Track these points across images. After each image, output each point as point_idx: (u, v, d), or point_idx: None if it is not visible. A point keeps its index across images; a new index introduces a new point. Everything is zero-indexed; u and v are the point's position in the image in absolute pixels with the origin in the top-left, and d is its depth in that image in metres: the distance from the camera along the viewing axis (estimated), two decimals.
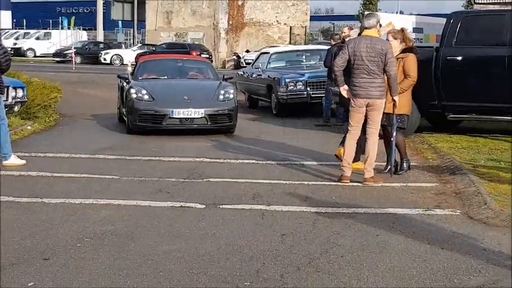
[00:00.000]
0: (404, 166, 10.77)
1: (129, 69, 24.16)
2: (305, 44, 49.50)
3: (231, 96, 15.55)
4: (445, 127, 14.70)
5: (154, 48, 45.54)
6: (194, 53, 49.68)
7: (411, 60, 10.54)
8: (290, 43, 51.77)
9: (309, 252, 6.79)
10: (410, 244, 7.07)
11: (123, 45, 64.02)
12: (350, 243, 7.12)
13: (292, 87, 19.01)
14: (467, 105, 13.99)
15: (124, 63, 49.29)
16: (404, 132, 10.94)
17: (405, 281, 6.01)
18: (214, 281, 5.93)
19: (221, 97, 15.41)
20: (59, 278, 6.00)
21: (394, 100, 10.11)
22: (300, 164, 11.70)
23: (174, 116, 14.85)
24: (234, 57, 51.69)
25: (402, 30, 10.88)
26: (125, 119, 15.75)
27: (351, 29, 16.77)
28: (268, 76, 20.13)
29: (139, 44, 58.42)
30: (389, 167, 10.63)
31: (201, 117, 14.92)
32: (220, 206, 8.63)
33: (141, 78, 16.51)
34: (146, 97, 15.16)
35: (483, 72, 13.70)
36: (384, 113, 10.18)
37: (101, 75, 35.62)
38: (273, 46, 38.40)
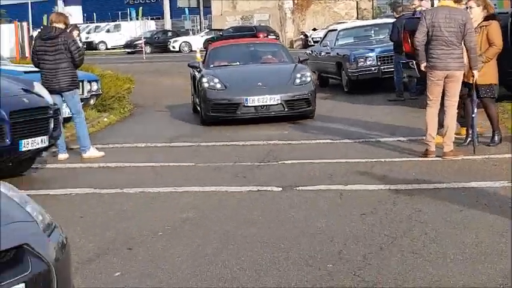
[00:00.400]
0: (496, 139, 10.45)
1: (198, 56, 24.19)
2: (373, 18, 48.93)
3: (308, 79, 14.64)
4: None
5: (221, 33, 45.58)
6: (261, 35, 49.65)
7: (495, 28, 10.25)
8: (357, 19, 51.27)
9: (390, 231, 6.66)
10: (496, 218, 6.86)
11: (191, 32, 64.31)
12: (433, 220, 6.95)
13: (362, 63, 18.76)
14: None
15: (193, 49, 49.57)
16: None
17: (493, 256, 5.84)
18: (296, 265, 5.86)
19: (297, 81, 14.50)
20: (144, 266, 6.01)
21: (473, 73, 9.84)
22: (376, 140, 11.54)
23: (248, 104, 14.07)
24: (302, 36, 51.48)
25: None
26: (198, 109, 15.16)
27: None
28: (337, 53, 19.92)
29: (207, 30, 58.67)
30: (469, 139, 10.37)
31: (278, 104, 14.06)
32: (297, 188, 8.55)
33: (212, 66, 15.77)
34: (219, 86, 14.40)
35: None
36: (471, 84, 9.99)
37: (171, 64, 35.80)
38: (340, 23, 38.02)
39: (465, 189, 8.08)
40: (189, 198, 8.38)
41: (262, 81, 14.43)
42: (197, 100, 15.38)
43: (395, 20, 17.34)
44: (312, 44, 41.74)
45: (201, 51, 42.78)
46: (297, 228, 6.92)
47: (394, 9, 18.42)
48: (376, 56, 18.78)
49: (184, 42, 55.96)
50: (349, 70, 18.94)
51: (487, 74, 10.10)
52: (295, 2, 54.26)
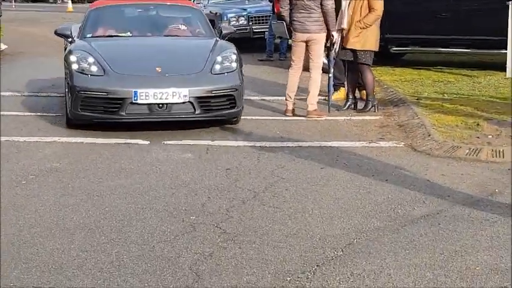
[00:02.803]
0: (369, 106, 10.41)
1: (70, 7, 23.41)
2: None
3: (234, 65, 9.64)
4: (388, 60, 14.77)
5: None
6: None
7: None
8: None
9: (253, 186, 6.82)
10: (354, 177, 7.14)
11: None
12: (294, 176, 7.17)
13: (234, 22, 18.85)
14: (409, 38, 14.07)
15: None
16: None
17: (350, 212, 6.09)
18: (160, 216, 5.94)
19: (217, 67, 9.51)
20: (6, 215, 5.95)
21: (332, 36, 10.08)
22: (244, 99, 11.66)
23: (139, 101, 9.01)
24: None
25: None
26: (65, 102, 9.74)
27: None
28: (210, 11, 19.89)
29: None
30: (348, 103, 10.59)
31: (185, 102, 9.11)
32: (165, 142, 8.60)
33: (89, 35, 10.62)
34: (94, 69, 9.32)
35: (425, 5, 13.76)
36: (348, 48, 10.17)
37: (43, 14, 34.92)
38: None
39: (326, 148, 8.34)
40: (55, 148, 8.30)
41: (163, 66, 9.46)
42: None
43: None
44: None
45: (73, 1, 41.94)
46: (162, 180, 7.00)
47: None
48: (248, 15, 18.90)
49: None
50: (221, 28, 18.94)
51: (367, 40, 10.22)
52: None
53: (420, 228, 5.71)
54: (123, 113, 9.04)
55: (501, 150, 7.91)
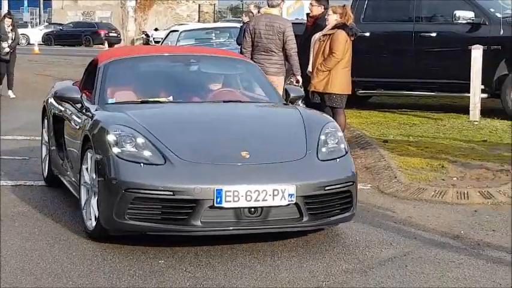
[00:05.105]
0: None
1: (36, 49, 23.35)
2: (214, 21, 49.43)
3: (342, 146, 6.77)
4: (355, 103, 14.89)
5: (61, 28, 44.75)
6: (102, 32, 49.22)
7: (338, 37, 9.95)
8: (199, 21, 51.62)
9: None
10: None
11: (29, 25, 62.65)
12: None
13: None
14: (375, 81, 14.23)
15: (30, 42, 48.29)
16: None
17: (318, 254, 6.11)
18: (128, 260, 5.91)
19: (324, 150, 6.62)
20: None
21: (297, 80, 10.18)
22: None
23: (224, 205, 6.05)
24: (143, 35, 51.25)
25: (344, 6, 10.37)
26: (83, 196, 6.81)
27: (257, 7, 16.75)
28: None
29: (46, 24, 57.34)
30: None
31: (288, 205, 6.18)
32: None
33: (111, 101, 7.40)
34: (148, 153, 6.26)
35: (390, 48, 13.96)
36: (316, 92, 10.10)
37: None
38: (182, 24, 38.19)
39: None
40: (21, 192, 8.26)
41: (250, 149, 6.42)
42: (70, 174, 7.54)
43: (242, 24, 17.52)
44: (154, 44, 41.69)
45: (39, 44, 41.89)
46: None
47: (246, 13, 18.54)
48: None
49: (22, 34, 54.36)
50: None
51: (330, 84, 10.00)
52: (138, 1, 54.00)
53: (388, 270, 5.74)
54: (198, 223, 6.03)
55: (466, 192, 8.00)
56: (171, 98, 7.50)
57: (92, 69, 8.09)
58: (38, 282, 5.44)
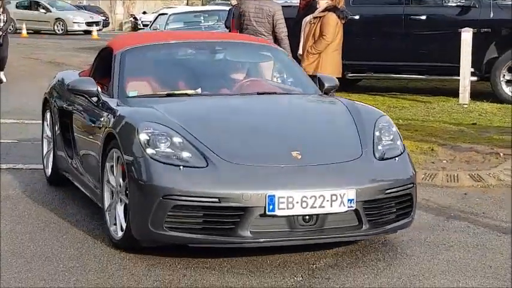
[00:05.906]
0: None
1: (24, 32, 23.04)
2: (202, 5, 49.25)
3: (399, 143, 6.18)
4: (344, 86, 14.88)
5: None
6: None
7: (328, 20, 9.87)
8: (187, 4, 51.43)
9: None
10: None
11: None
12: None
13: None
14: (365, 64, 14.22)
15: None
16: None
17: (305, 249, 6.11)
18: None
19: (380, 148, 5.98)
20: None
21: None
22: None
23: (277, 213, 5.39)
24: (131, 19, 51.02)
25: None
26: (106, 200, 6.13)
27: None
28: None
29: None
30: None
31: (347, 211, 5.52)
32: None
33: (134, 94, 6.68)
34: (187, 154, 5.56)
35: (380, 31, 13.96)
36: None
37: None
38: (171, 7, 38.03)
39: None
40: (11, 175, 8.24)
41: (301, 149, 5.75)
42: (88, 178, 6.78)
43: (231, 7, 17.45)
44: (142, 27, 41.53)
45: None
46: None
47: None
48: None
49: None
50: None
51: (320, 66, 9.96)
52: None
53: (378, 253, 5.76)
54: (247, 233, 5.37)
55: (455, 175, 8.03)
56: (199, 90, 6.74)
57: (104, 58, 7.34)
58: (29, 264, 5.44)
